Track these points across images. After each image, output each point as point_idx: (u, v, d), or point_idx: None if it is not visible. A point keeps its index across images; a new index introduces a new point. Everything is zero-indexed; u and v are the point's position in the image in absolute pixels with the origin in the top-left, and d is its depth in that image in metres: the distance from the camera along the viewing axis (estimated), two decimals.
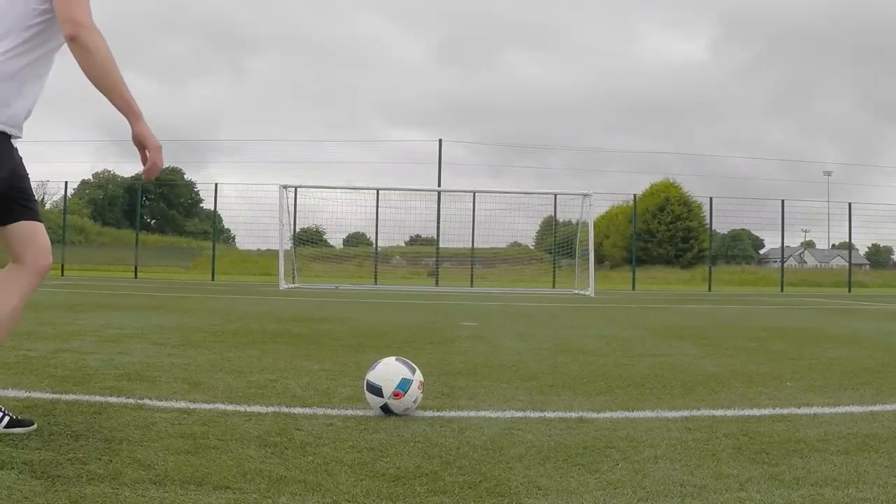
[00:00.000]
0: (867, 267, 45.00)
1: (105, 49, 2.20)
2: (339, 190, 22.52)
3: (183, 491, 1.80)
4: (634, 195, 28.95)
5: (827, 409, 3.04)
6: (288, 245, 20.09)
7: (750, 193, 62.68)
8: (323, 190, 22.05)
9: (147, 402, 2.88)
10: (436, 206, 24.85)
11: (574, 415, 2.86)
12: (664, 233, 41.26)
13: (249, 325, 6.54)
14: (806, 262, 51.96)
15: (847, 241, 27.78)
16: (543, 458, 2.20)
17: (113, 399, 2.92)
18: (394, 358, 2.92)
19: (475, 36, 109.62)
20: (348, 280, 21.90)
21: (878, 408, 3.10)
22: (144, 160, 2.29)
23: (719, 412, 2.97)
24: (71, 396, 2.94)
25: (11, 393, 2.96)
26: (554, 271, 24.67)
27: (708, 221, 31.10)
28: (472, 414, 2.86)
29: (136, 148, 2.29)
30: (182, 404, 2.85)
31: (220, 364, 3.99)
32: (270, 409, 2.83)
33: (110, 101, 2.25)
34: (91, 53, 2.17)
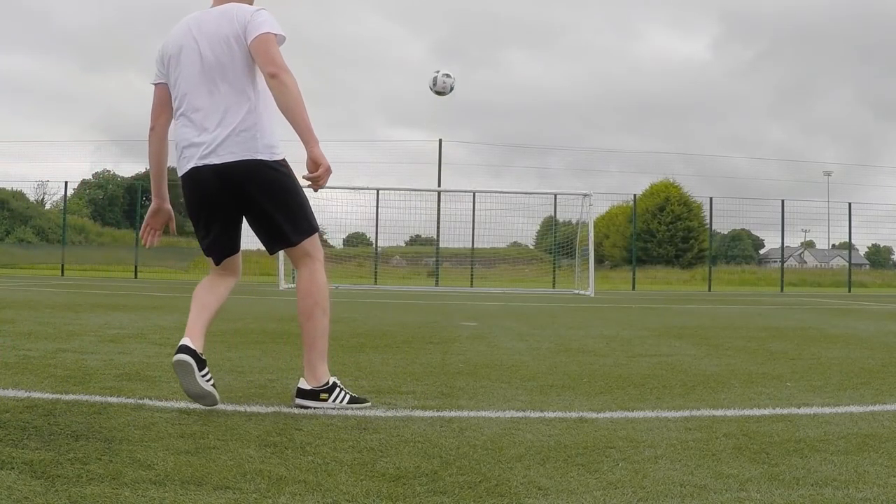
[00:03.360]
0: (867, 267, 44.97)
1: (296, 87, 2.73)
2: (339, 190, 22.46)
3: (183, 491, 1.80)
4: (634, 195, 28.99)
5: (827, 409, 3.04)
6: None
7: (750, 193, 62.76)
8: (323, 190, 22.00)
9: (147, 402, 2.88)
10: (436, 206, 24.85)
11: (574, 415, 2.86)
12: (664, 233, 41.24)
13: (249, 325, 6.54)
14: (806, 262, 52.00)
15: (847, 241, 27.78)
16: (543, 458, 2.20)
17: (113, 399, 2.92)
18: (435, 77, 4.77)
19: (475, 35, 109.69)
20: (348, 280, 21.88)
21: (878, 408, 3.10)
22: (310, 176, 2.78)
23: (719, 412, 2.97)
24: (71, 396, 2.94)
25: (11, 393, 2.96)
26: (554, 271, 24.65)
27: (708, 221, 31.12)
28: (472, 414, 2.86)
29: (307, 167, 2.80)
30: (182, 404, 2.85)
31: (220, 364, 3.99)
32: (270, 409, 2.83)
33: (295, 128, 2.75)
34: (286, 88, 2.70)
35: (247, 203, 2.88)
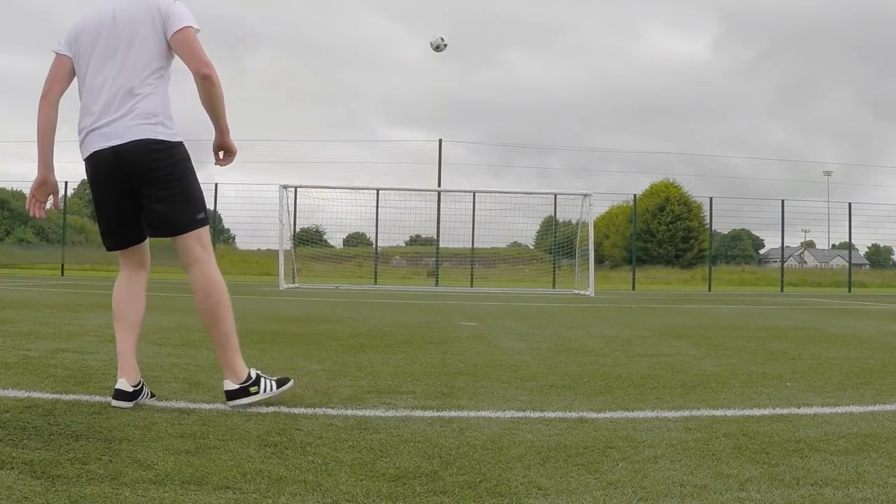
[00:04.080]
0: (867, 267, 44.97)
1: (220, 83, 2.84)
2: (339, 190, 22.48)
3: (183, 491, 1.80)
4: (634, 195, 28.96)
5: (827, 409, 3.05)
6: (288, 245, 20.06)
7: (750, 193, 62.66)
8: (323, 190, 22.02)
9: (147, 402, 2.88)
10: (436, 206, 24.84)
11: (574, 415, 2.86)
12: (664, 233, 41.23)
13: (249, 325, 6.54)
14: (806, 262, 52.00)
15: (847, 241, 27.78)
16: (543, 458, 2.20)
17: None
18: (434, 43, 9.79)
19: (475, 35, 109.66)
20: (348, 280, 21.89)
21: (878, 408, 3.10)
22: (218, 160, 3.06)
23: (719, 412, 2.97)
24: (71, 396, 2.94)
25: (11, 393, 2.96)
26: (554, 271, 24.65)
27: (708, 221, 31.10)
28: (472, 414, 2.86)
29: (213, 150, 3.03)
30: (182, 404, 2.85)
31: (220, 364, 3.98)
32: (270, 409, 2.83)
33: (213, 120, 2.93)
34: (215, 87, 2.83)
35: (142, 184, 2.82)
